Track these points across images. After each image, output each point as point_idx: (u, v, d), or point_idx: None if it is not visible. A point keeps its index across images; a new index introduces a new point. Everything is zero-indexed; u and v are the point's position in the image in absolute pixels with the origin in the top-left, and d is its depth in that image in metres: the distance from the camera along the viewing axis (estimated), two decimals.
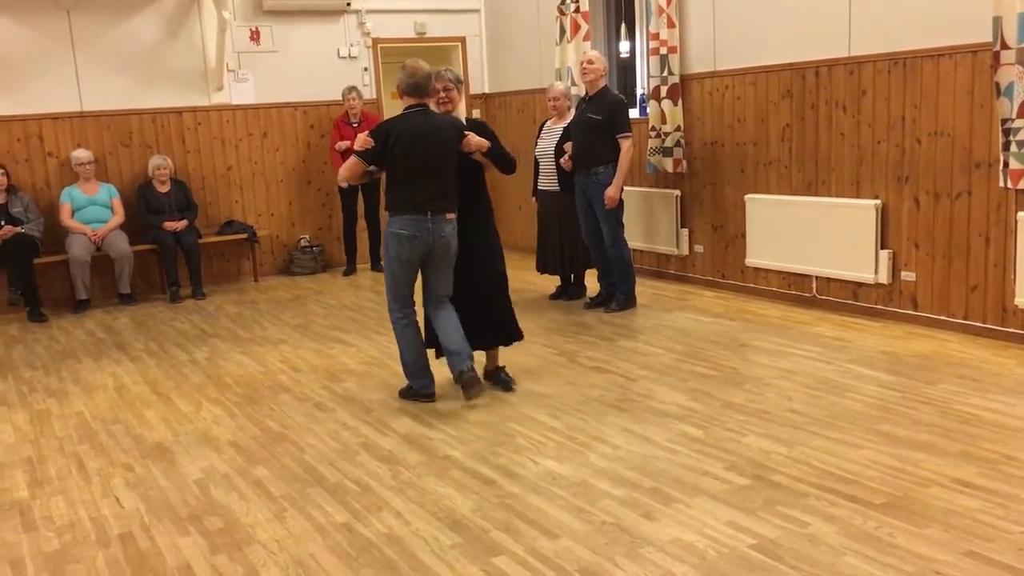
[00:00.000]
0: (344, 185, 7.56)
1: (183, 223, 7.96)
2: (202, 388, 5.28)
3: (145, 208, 7.95)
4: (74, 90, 7.93)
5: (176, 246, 7.91)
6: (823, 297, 6.33)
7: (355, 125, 8.44)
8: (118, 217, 7.89)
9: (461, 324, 4.70)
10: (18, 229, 7.34)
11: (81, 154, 7.80)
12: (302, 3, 8.68)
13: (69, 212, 7.70)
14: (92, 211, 7.77)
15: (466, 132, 4.64)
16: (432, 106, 4.67)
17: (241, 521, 3.46)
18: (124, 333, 6.83)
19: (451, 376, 4.72)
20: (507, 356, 5.13)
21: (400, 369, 4.88)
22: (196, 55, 8.40)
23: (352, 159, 4.58)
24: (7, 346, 6.60)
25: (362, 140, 4.56)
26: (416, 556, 3.11)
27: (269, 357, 5.88)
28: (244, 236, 8.49)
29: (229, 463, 4.08)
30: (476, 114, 9.53)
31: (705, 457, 3.82)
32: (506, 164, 4.82)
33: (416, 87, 4.55)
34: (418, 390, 4.79)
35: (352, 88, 8.52)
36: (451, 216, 4.58)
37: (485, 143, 4.67)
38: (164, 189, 8.02)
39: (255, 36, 8.63)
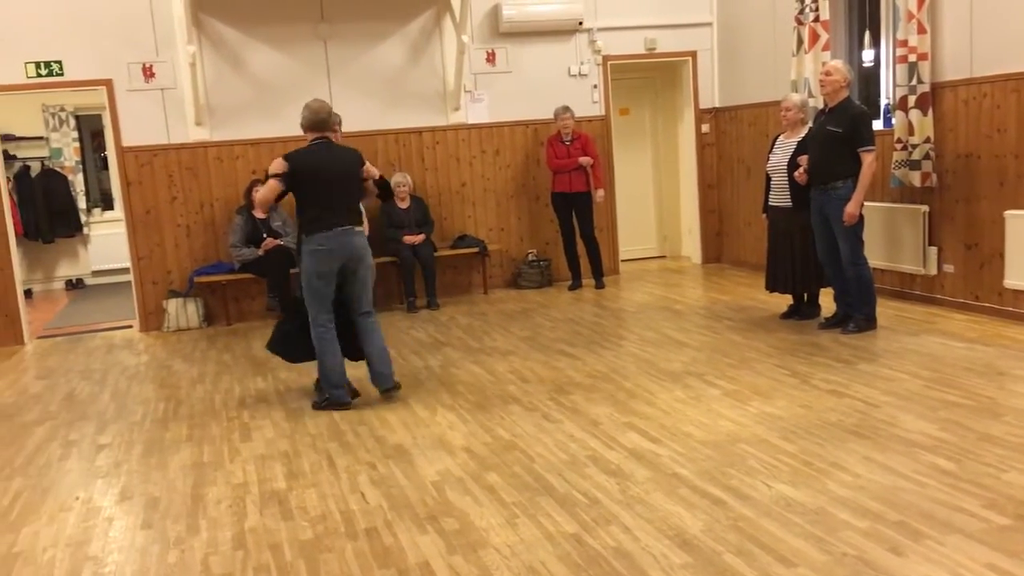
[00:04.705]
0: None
1: (420, 237, 8.39)
2: (436, 394, 5.52)
3: (387, 223, 8.45)
4: None
5: (414, 259, 8.34)
6: None
7: (567, 143, 8.58)
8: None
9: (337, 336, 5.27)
10: (278, 242, 8.04)
11: None
12: (537, 24, 8.93)
13: None
14: None
15: (364, 161, 5.38)
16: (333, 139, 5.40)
17: (475, 524, 3.59)
18: None
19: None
20: (737, 376, 4.96)
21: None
22: (436, 78, 8.85)
23: (271, 181, 5.17)
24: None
25: (277, 164, 5.15)
26: (646, 573, 3.09)
27: (498, 367, 6.07)
28: (476, 250, 8.83)
29: (463, 467, 4.24)
30: (704, 129, 9.57)
31: (959, 492, 3.54)
32: (386, 191, 5.71)
33: (319, 123, 5.22)
34: (335, 399, 5.30)
35: (566, 108, 8.65)
36: (360, 229, 5.26)
37: (377, 171, 5.46)
38: (404, 205, 8.49)
39: (491, 58, 8.97)
